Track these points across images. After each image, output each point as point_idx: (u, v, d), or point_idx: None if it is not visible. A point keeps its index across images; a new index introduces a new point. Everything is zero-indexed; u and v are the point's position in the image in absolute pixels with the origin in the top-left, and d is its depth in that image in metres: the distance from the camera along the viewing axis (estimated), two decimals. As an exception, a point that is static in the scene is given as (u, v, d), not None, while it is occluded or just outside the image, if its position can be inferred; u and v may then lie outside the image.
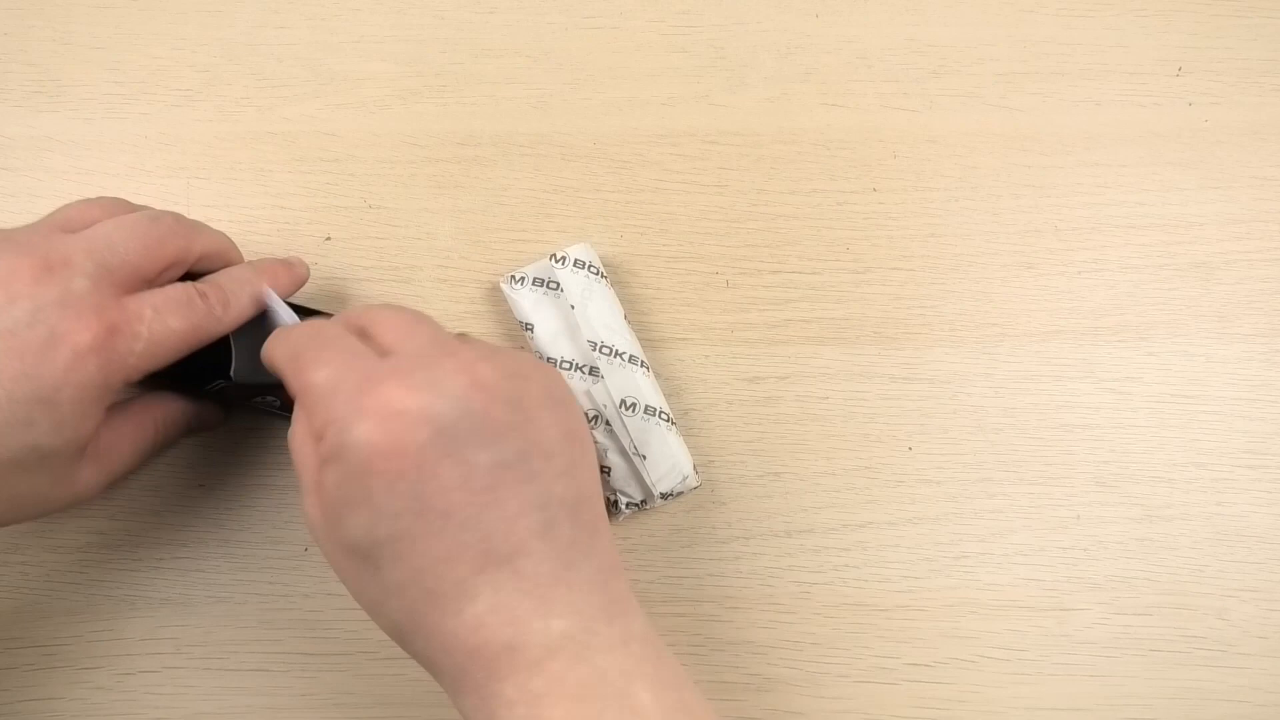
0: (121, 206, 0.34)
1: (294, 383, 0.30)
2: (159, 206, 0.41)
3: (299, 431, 0.30)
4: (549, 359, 0.38)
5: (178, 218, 0.33)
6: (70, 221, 0.32)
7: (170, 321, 0.31)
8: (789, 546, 0.39)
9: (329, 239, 0.41)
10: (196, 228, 0.34)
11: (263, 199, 0.41)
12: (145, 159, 0.42)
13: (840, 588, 0.39)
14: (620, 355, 0.38)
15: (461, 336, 0.32)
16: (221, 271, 0.34)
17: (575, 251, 0.39)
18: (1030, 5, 0.45)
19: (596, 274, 0.39)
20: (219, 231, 0.35)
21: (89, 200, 0.34)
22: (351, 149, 0.42)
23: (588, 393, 0.38)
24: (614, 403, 0.38)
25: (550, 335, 0.39)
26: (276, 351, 0.31)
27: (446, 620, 0.28)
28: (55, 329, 0.29)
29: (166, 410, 0.35)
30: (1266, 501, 0.40)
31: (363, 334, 0.31)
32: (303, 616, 0.38)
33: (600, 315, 0.38)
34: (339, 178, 0.42)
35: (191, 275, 0.34)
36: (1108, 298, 0.42)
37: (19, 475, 0.29)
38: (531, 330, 0.39)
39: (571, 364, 0.38)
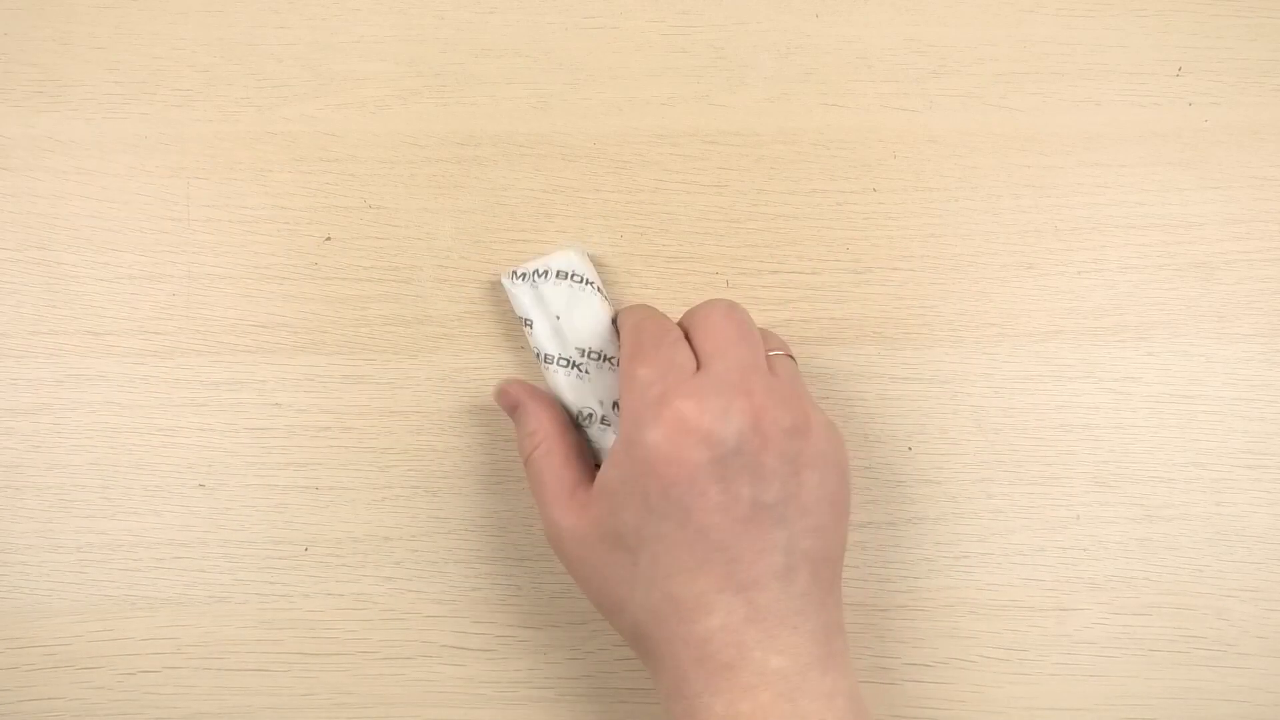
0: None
1: (623, 363, 0.34)
2: (159, 207, 0.41)
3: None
4: (545, 354, 0.38)
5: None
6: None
7: None
8: (789, 546, 0.39)
9: (329, 239, 0.41)
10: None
11: (263, 199, 0.41)
12: (145, 159, 0.42)
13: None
14: (609, 360, 0.38)
15: (776, 359, 0.35)
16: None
17: (556, 263, 0.39)
18: (1030, 5, 0.45)
19: (581, 281, 0.39)
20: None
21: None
22: (351, 149, 0.42)
23: (577, 390, 0.38)
24: (603, 404, 0.38)
25: (548, 332, 0.39)
26: (625, 323, 0.36)
27: (681, 626, 0.31)
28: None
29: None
30: (1266, 501, 0.40)
31: (692, 328, 0.34)
32: (303, 617, 0.38)
33: (586, 323, 0.38)
34: (339, 178, 0.42)
35: None
36: (1107, 298, 0.42)
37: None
38: (530, 326, 0.39)
39: (568, 361, 0.38)
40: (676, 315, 0.41)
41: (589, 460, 0.36)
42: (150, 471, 0.39)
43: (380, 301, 0.41)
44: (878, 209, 0.42)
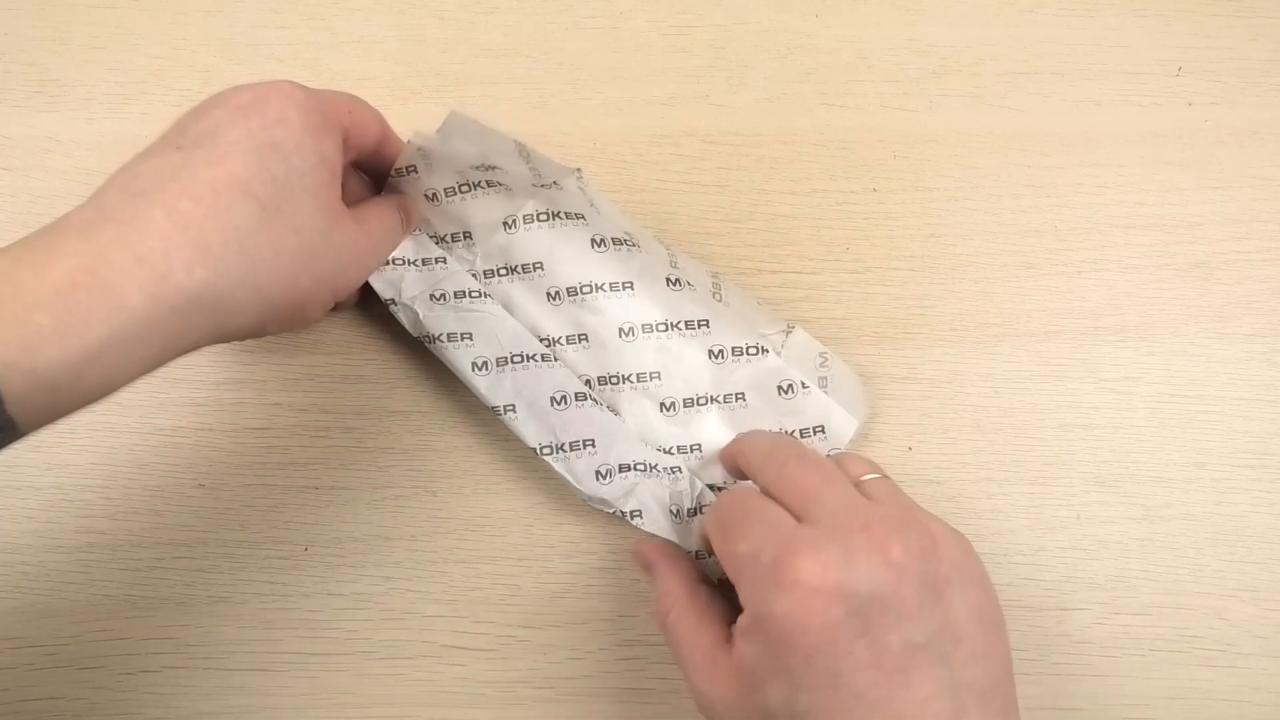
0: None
1: (722, 552, 0.31)
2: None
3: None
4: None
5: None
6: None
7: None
8: (789, 546, 0.39)
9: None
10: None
11: (263, 199, 0.41)
12: (145, 159, 0.42)
13: (840, 588, 0.39)
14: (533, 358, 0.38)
15: (871, 483, 0.33)
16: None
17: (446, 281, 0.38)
18: (1030, 5, 0.45)
19: (479, 296, 0.38)
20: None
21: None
22: (351, 149, 0.42)
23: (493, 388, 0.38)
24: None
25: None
26: (709, 523, 0.33)
27: None
28: (320, 94, 0.33)
29: (403, 202, 0.38)
30: (1266, 501, 0.40)
31: (771, 490, 0.32)
32: (303, 616, 0.38)
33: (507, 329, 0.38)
34: (339, 178, 0.42)
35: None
36: (1108, 298, 0.42)
37: (300, 197, 0.31)
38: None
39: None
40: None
41: (724, 615, 0.33)
42: (150, 471, 0.39)
43: (380, 301, 0.41)
44: (878, 209, 0.42)
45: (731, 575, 0.31)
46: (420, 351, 0.40)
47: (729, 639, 0.31)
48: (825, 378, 0.38)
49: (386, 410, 0.40)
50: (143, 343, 0.27)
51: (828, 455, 0.37)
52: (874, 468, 0.34)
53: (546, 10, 0.44)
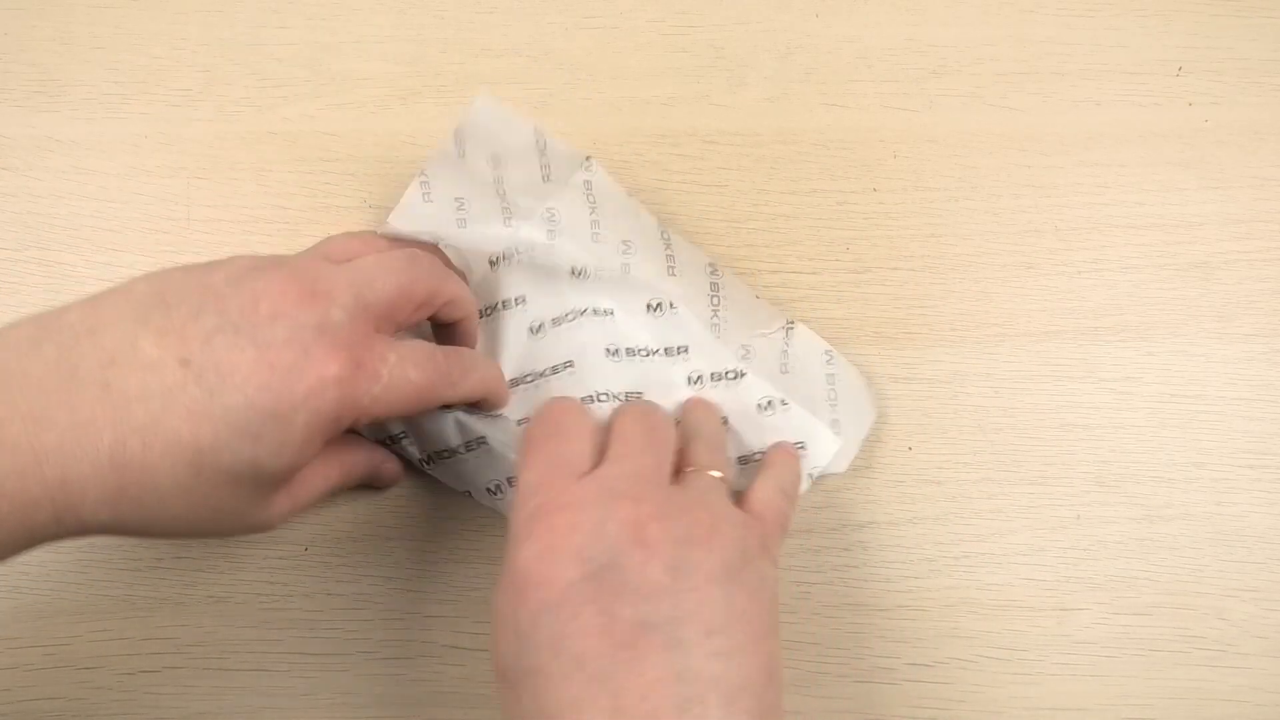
0: (380, 243, 0.35)
1: (517, 468, 0.31)
2: (159, 206, 0.41)
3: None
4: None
5: (433, 260, 0.34)
6: (334, 253, 0.33)
7: (410, 372, 0.31)
8: (788, 547, 0.39)
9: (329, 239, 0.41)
10: (446, 274, 0.34)
11: (263, 199, 0.41)
12: (145, 159, 0.42)
13: (840, 588, 0.39)
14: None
15: (691, 474, 0.32)
16: (464, 349, 0.35)
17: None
18: (1030, 5, 0.45)
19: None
20: (461, 282, 0.35)
21: (351, 234, 0.35)
22: (351, 149, 0.42)
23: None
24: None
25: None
26: (529, 426, 0.32)
27: None
28: (309, 352, 0.28)
29: (355, 456, 0.35)
30: (1266, 501, 0.40)
31: (609, 428, 0.31)
32: (303, 616, 0.38)
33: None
34: (339, 178, 0.42)
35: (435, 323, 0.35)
36: (1107, 298, 0.42)
37: (228, 488, 0.29)
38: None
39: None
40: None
41: None
42: (150, 471, 0.39)
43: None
44: (878, 209, 0.42)
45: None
46: (420, 351, 0.40)
47: None
48: (832, 374, 0.38)
49: (386, 410, 0.40)
50: (9, 535, 0.27)
51: (806, 475, 0.37)
52: (719, 465, 0.33)
53: (546, 10, 0.44)
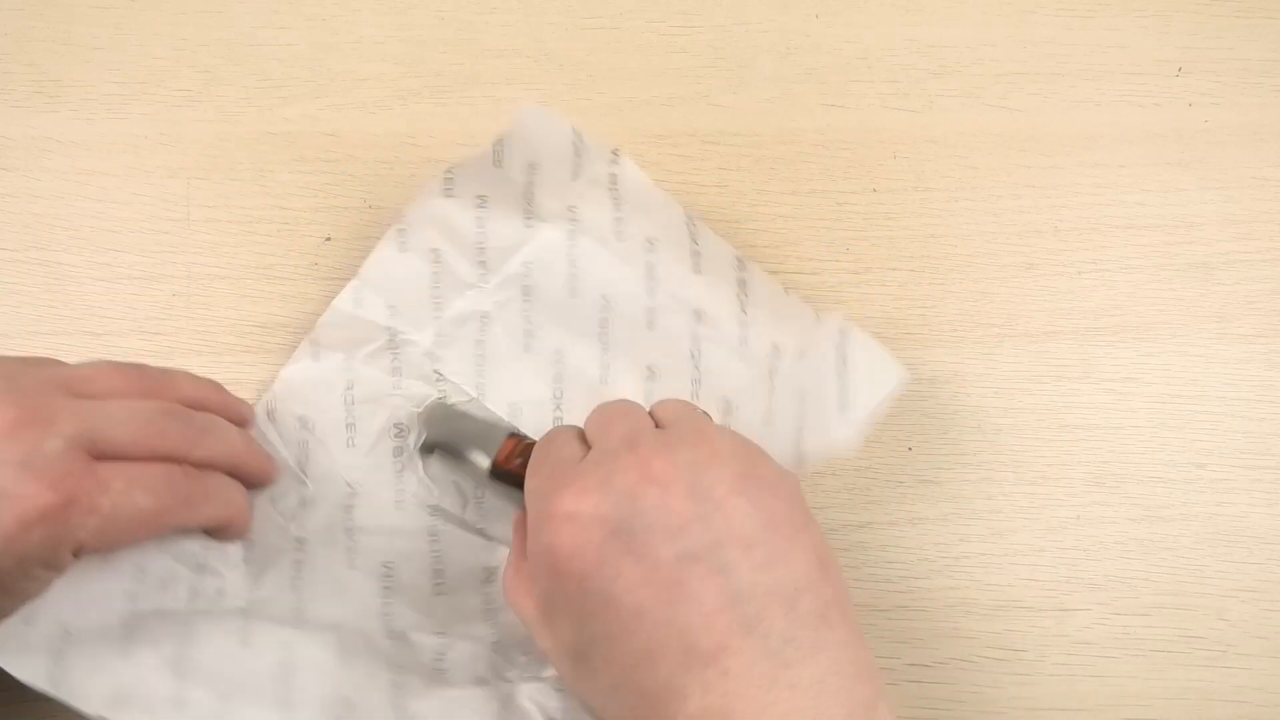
0: (155, 387, 0.32)
1: (525, 491, 0.31)
2: (159, 207, 0.41)
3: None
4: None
5: (203, 428, 0.32)
6: (83, 384, 0.30)
7: (139, 499, 0.29)
8: (789, 546, 0.39)
9: (329, 239, 0.41)
10: (215, 434, 0.32)
11: (263, 199, 0.41)
12: (145, 159, 0.42)
13: (840, 588, 0.39)
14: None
15: (657, 407, 0.31)
16: (214, 473, 0.33)
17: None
18: (1030, 5, 0.45)
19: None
20: (246, 439, 0.34)
21: (120, 368, 0.32)
22: (351, 149, 0.42)
23: None
24: None
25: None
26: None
27: None
28: (7, 490, 0.26)
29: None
30: (1266, 502, 0.40)
31: (586, 430, 0.31)
32: (303, 616, 0.38)
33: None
34: (339, 178, 0.42)
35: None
36: (1107, 298, 0.42)
37: None
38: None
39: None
40: (676, 315, 0.41)
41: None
42: (150, 471, 0.39)
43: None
44: (878, 209, 0.42)
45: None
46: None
47: None
48: (845, 356, 0.36)
49: (386, 410, 0.40)
50: None
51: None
52: (683, 404, 0.32)
53: (547, 10, 0.44)
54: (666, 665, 0.26)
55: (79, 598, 0.30)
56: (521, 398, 0.37)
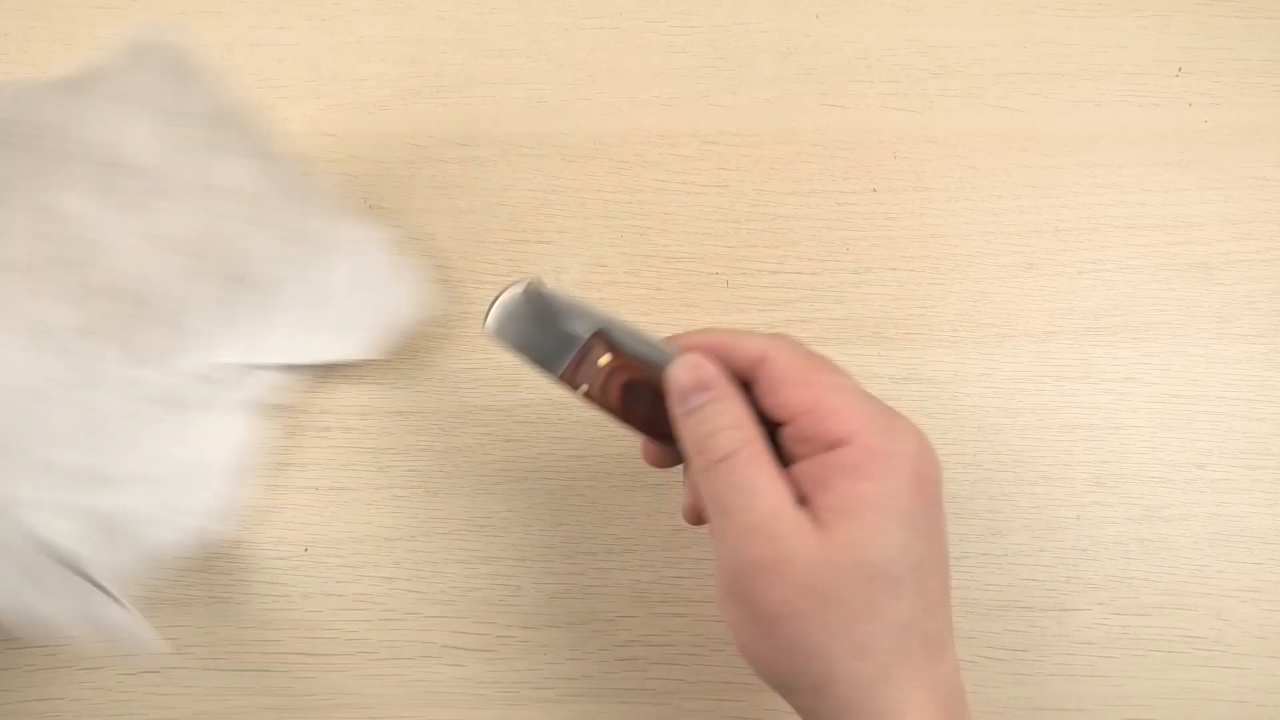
0: None
1: (808, 380, 0.28)
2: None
3: None
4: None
5: None
6: None
7: None
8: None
9: (329, 239, 0.41)
10: None
11: (263, 199, 0.41)
12: (145, 159, 0.42)
13: (840, 588, 0.39)
14: None
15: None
16: None
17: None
18: (1030, 5, 0.45)
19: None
20: None
21: None
22: (351, 149, 0.42)
23: None
24: None
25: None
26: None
27: (931, 670, 0.26)
28: None
29: None
30: (1266, 502, 0.40)
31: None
32: (303, 617, 0.38)
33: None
34: (339, 178, 0.42)
35: None
36: (1107, 298, 0.42)
37: None
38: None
39: None
40: (676, 314, 0.41)
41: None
42: (150, 471, 0.39)
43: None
44: (878, 209, 0.42)
45: (825, 408, 0.27)
46: (420, 352, 0.40)
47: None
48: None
49: (386, 410, 0.40)
50: None
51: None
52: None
53: (546, 11, 0.44)
54: (948, 614, 0.27)
55: None
56: None
